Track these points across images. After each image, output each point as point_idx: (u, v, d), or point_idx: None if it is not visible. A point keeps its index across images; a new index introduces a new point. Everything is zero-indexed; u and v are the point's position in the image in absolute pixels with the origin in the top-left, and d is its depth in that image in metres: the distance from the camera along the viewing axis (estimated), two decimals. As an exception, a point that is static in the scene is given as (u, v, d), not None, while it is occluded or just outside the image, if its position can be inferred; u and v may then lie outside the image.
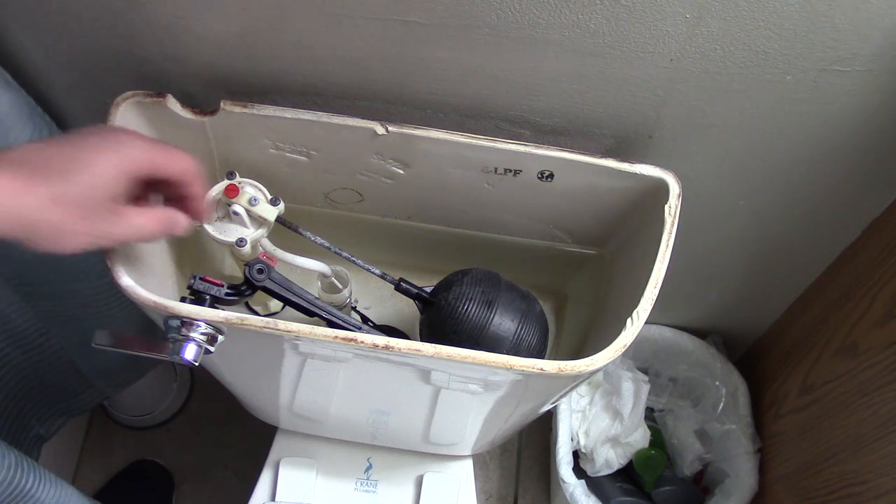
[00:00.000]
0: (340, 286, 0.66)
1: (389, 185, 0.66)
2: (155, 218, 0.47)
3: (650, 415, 1.03)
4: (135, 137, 0.47)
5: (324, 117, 0.59)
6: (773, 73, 0.56)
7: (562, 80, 0.59)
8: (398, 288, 0.63)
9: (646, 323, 0.54)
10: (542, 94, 0.61)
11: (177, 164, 0.48)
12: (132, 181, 0.45)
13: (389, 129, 0.59)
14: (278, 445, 0.86)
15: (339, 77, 0.62)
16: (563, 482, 0.92)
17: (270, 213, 0.60)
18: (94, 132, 0.45)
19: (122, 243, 0.48)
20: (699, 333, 1.00)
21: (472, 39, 0.56)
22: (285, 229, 0.62)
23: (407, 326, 0.73)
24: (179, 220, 0.50)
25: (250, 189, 0.60)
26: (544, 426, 1.17)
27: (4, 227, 0.40)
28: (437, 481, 0.85)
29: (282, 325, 0.50)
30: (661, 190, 0.59)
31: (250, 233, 0.59)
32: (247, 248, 0.58)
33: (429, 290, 0.63)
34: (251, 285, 0.56)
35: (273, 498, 0.83)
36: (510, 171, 0.62)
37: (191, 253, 0.67)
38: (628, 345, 0.53)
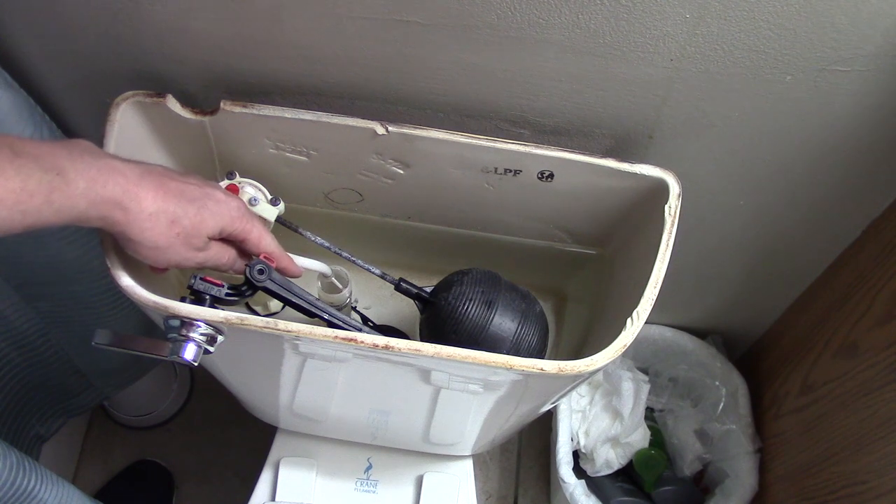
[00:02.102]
0: (340, 286, 0.66)
1: (389, 185, 0.66)
2: (228, 255, 0.54)
3: (650, 415, 1.03)
4: (239, 210, 0.53)
5: (324, 117, 0.59)
6: (773, 73, 0.56)
7: (562, 80, 0.59)
8: (398, 288, 0.63)
9: (646, 323, 0.54)
10: (542, 94, 0.61)
11: (262, 246, 0.55)
12: (223, 233, 0.53)
13: (389, 129, 0.59)
14: (278, 445, 0.86)
15: (339, 77, 0.62)
16: (563, 482, 0.92)
17: (270, 213, 0.60)
18: (215, 186, 0.53)
19: (195, 267, 0.53)
20: (699, 333, 1.00)
21: (472, 39, 0.56)
22: (285, 229, 0.62)
23: (407, 326, 0.73)
24: (240, 266, 0.56)
25: (250, 189, 0.60)
26: (544, 426, 1.17)
27: (122, 225, 0.46)
28: (437, 481, 0.85)
29: (282, 325, 0.50)
30: (661, 190, 0.59)
31: (250, 233, 0.59)
32: (247, 248, 0.58)
33: (429, 290, 0.63)
34: (251, 286, 0.56)
35: (273, 498, 0.83)
36: (510, 171, 0.62)
37: (191, 253, 0.67)
38: (628, 345, 0.53)
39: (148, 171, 0.48)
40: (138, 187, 0.46)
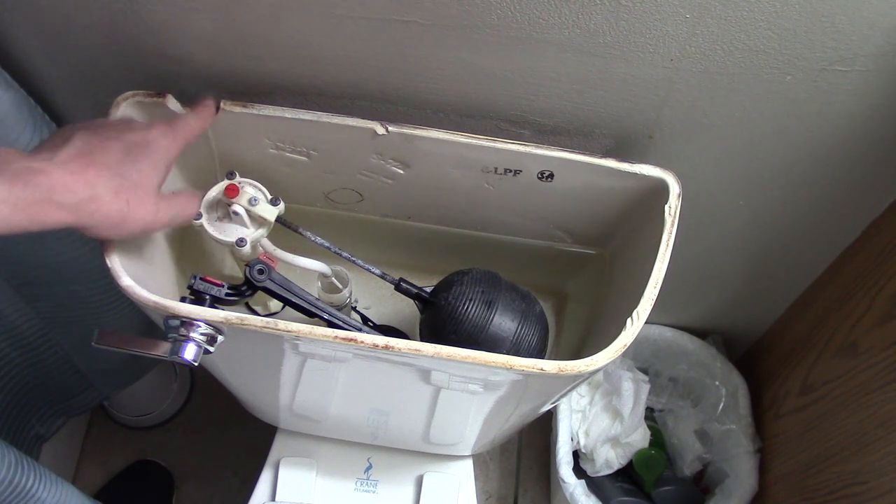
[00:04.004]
0: (340, 286, 0.66)
1: (389, 185, 0.66)
2: (184, 206, 0.54)
3: (650, 415, 1.03)
4: (165, 135, 0.52)
5: (324, 117, 0.59)
6: (773, 73, 0.56)
7: (562, 80, 0.59)
8: (398, 288, 0.63)
9: (646, 323, 0.54)
10: (542, 94, 0.61)
11: (199, 128, 0.56)
12: (169, 170, 0.52)
13: (389, 129, 0.59)
14: (278, 445, 0.86)
15: (339, 77, 0.62)
16: (563, 482, 0.92)
17: (270, 213, 0.60)
18: (128, 127, 0.50)
19: (166, 226, 0.52)
20: (699, 333, 1.00)
21: (472, 39, 0.56)
22: (285, 229, 0.62)
23: (407, 326, 0.73)
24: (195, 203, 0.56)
25: (250, 189, 0.60)
26: (544, 426, 1.17)
27: (70, 218, 0.44)
28: (437, 481, 0.85)
29: (282, 325, 0.50)
30: (661, 190, 0.59)
31: (250, 233, 0.59)
32: (247, 249, 0.58)
33: (429, 290, 0.63)
34: (251, 286, 0.56)
35: (273, 498, 0.83)
36: (510, 171, 0.62)
37: (191, 253, 0.67)
38: (628, 345, 0.53)
39: (68, 153, 0.45)
40: (64, 176, 0.44)
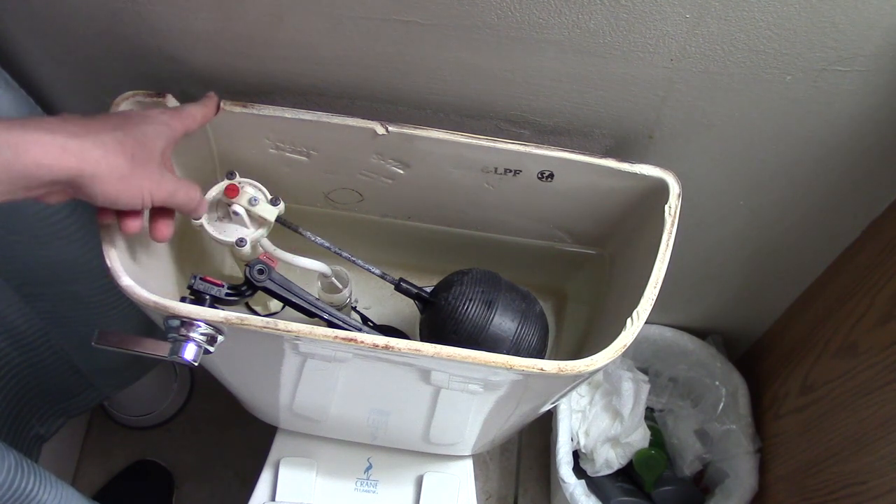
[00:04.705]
0: (340, 286, 0.66)
1: (389, 185, 0.66)
2: (189, 188, 0.53)
3: (650, 415, 1.03)
4: (164, 112, 0.53)
5: (324, 117, 0.59)
6: (773, 74, 0.56)
7: (562, 80, 0.59)
8: (398, 288, 0.63)
9: (646, 323, 0.54)
10: (542, 94, 0.61)
11: (201, 117, 0.56)
12: (170, 148, 0.52)
13: (389, 129, 0.59)
14: (278, 445, 0.86)
15: (339, 77, 0.62)
16: (563, 482, 0.92)
17: (270, 213, 0.60)
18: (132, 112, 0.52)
19: (163, 202, 0.51)
20: (699, 333, 1.00)
21: (472, 39, 0.56)
22: (285, 229, 0.62)
23: (407, 326, 0.73)
24: (202, 200, 0.56)
25: (250, 189, 0.60)
26: (544, 426, 1.17)
27: (74, 162, 0.43)
28: (437, 481, 0.85)
29: (282, 325, 0.50)
30: (661, 190, 0.59)
31: (250, 233, 0.59)
32: (247, 249, 0.59)
33: (429, 290, 0.63)
34: (251, 286, 0.56)
35: (273, 498, 0.83)
36: (510, 171, 0.62)
37: (191, 253, 0.67)
38: (628, 345, 0.53)
39: (63, 117, 0.45)
40: (64, 125, 0.44)
